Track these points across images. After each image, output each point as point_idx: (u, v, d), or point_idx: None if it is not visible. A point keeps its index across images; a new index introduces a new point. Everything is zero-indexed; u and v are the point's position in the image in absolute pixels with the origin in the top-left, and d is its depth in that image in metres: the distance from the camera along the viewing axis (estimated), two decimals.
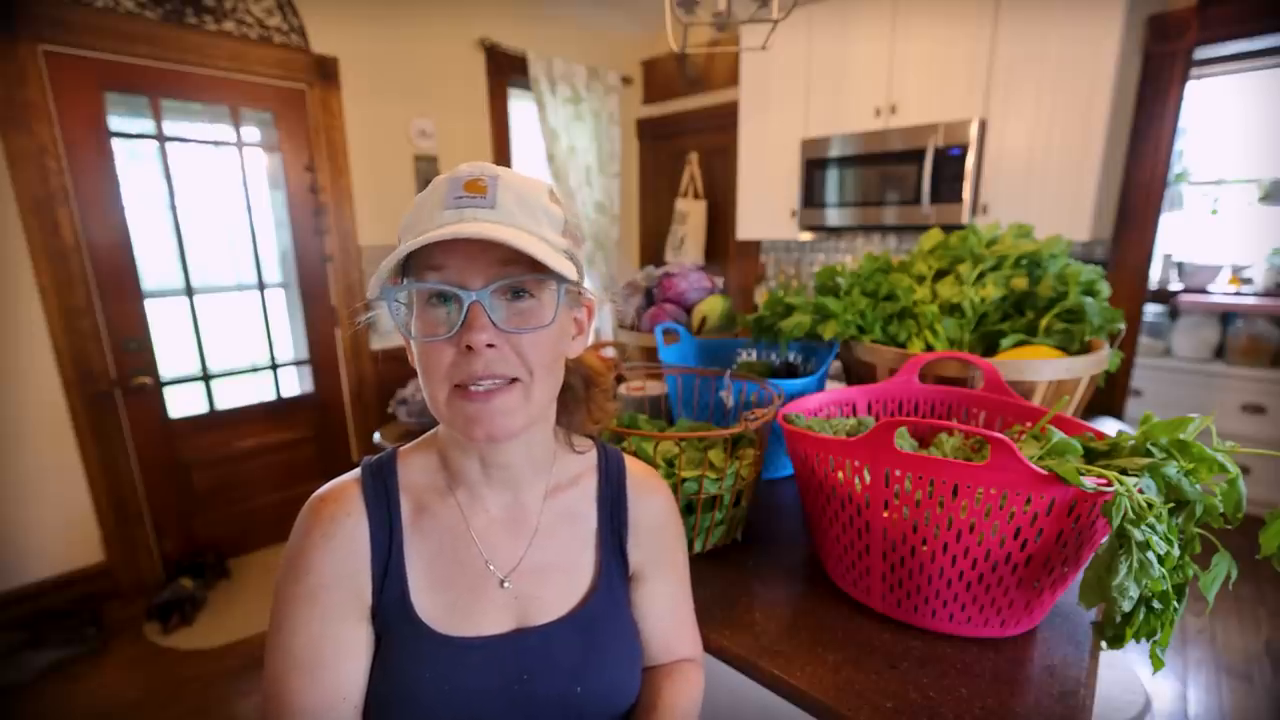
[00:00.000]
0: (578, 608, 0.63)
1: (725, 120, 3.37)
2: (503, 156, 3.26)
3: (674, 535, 0.72)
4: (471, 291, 0.51)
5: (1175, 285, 3.23)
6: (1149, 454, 0.66)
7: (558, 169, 3.36)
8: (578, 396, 0.68)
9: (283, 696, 0.54)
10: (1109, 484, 0.61)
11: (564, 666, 0.60)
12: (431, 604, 0.58)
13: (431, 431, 0.66)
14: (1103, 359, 1.02)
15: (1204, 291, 3.12)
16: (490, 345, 0.51)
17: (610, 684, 0.63)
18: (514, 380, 0.54)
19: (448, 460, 0.62)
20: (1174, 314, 3.08)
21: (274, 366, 2.67)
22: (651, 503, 0.70)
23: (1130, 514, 0.59)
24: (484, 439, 0.54)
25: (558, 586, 0.63)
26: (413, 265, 0.53)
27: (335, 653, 0.55)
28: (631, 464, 0.71)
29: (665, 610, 0.70)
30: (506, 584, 0.61)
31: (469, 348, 0.51)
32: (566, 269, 0.53)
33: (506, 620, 0.60)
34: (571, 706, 0.60)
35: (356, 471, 0.62)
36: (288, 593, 0.56)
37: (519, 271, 0.52)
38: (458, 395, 0.53)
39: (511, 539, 0.63)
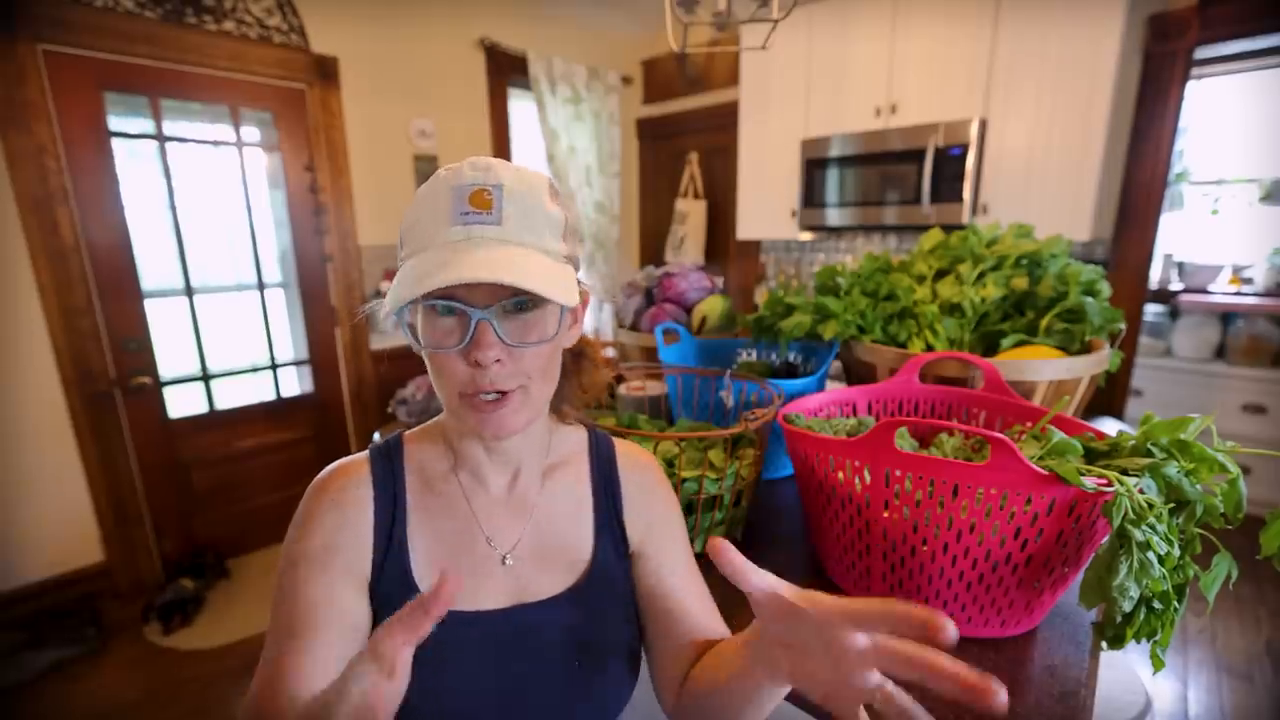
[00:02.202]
0: (576, 585, 0.65)
1: (725, 120, 3.37)
2: (502, 156, 3.24)
3: (669, 501, 0.72)
4: (478, 309, 0.52)
5: (1176, 285, 3.22)
6: (1149, 454, 0.66)
7: (558, 169, 3.36)
8: (567, 371, 0.69)
9: (275, 656, 0.53)
10: (1109, 484, 0.61)
11: (562, 642, 0.62)
12: (432, 580, 0.58)
13: (437, 418, 0.68)
14: (1103, 359, 1.01)
15: (1204, 291, 3.12)
16: (498, 361, 0.53)
17: (608, 661, 0.64)
18: (516, 389, 0.56)
19: (453, 444, 0.65)
20: (1174, 314, 3.08)
21: (274, 366, 2.67)
22: (642, 474, 0.71)
23: (1131, 514, 0.59)
24: (491, 438, 0.57)
25: (556, 564, 0.65)
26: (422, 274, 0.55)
27: (332, 616, 0.55)
28: (619, 443, 0.74)
29: (684, 579, 0.69)
30: (509, 560, 0.63)
31: (477, 363, 0.53)
32: (568, 289, 0.53)
33: (506, 597, 0.62)
34: (569, 683, 0.61)
35: (365, 452, 0.64)
36: (291, 554, 0.58)
37: (523, 291, 0.53)
38: (466, 403, 0.56)
39: (512, 518, 0.65)
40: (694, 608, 0.68)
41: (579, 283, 0.61)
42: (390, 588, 0.58)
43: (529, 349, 0.55)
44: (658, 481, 0.73)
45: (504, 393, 0.55)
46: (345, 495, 0.60)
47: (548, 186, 0.57)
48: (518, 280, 0.50)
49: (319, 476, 0.61)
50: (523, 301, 0.54)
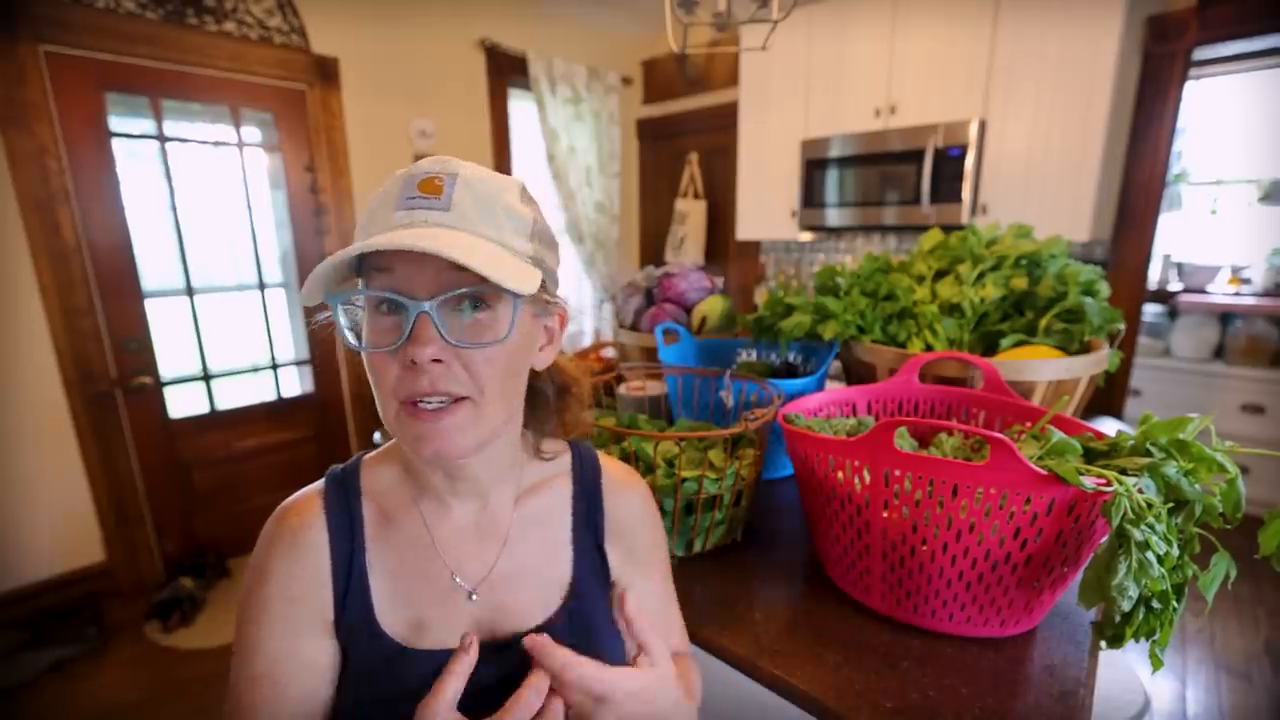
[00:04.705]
0: (553, 618, 0.60)
1: (725, 120, 3.38)
2: (503, 156, 3.26)
3: (653, 533, 0.70)
4: (420, 301, 0.47)
5: (1175, 285, 3.23)
6: (1148, 454, 0.66)
7: (558, 169, 3.36)
8: (548, 404, 0.65)
9: (243, 711, 0.53)
10: (1108, 484, 0.61)
11: None
12: (395, 618, 0.56)
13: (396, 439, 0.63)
14: (1102, 359, 1.02)
15: (1203, 291, 3.13)
16: (437, 360, 0.47)
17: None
18: (463, 398, 0.50)
19: (412, 469, 0.60)
20: (1173, 314, 3.08)
21: (274, 366, 2.67)
22: (628, 500, 0.67)
23: (1130, 514, 0.59)
24: (432, 457, 0.50)
25: (531, 595, 0.60)
26: (365, 266, 0.50)
27: (296, 667, 0.53)
28: (607, 462, 0.69)
29: (651, 609, 0.68)
30: (475, 597, 0.58)
31: (413, 362, 0.47)
32: (523, 279, 0.48)
33: (475, 633, 0.58)
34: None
35: (322, 481, 0.60)
36: (249, 606, 0.54)
37: (472, 280, 0.47)
38: (405, 412, 0.50)
39: (481, 548, 0.60)
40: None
41: (555, 297, 0.57)
42: (353, 626, 0.55)
43: (478, 351, 0.49)
44: (645, 510, 0.69)
45: (453, 402, 0.49)
46: (297, 539, 0.55)
47: (518, 189, 0.52)
48: (445, 250, 0.43)
49: (274, 515, 0.57)
50: (474, 298, 0.48)
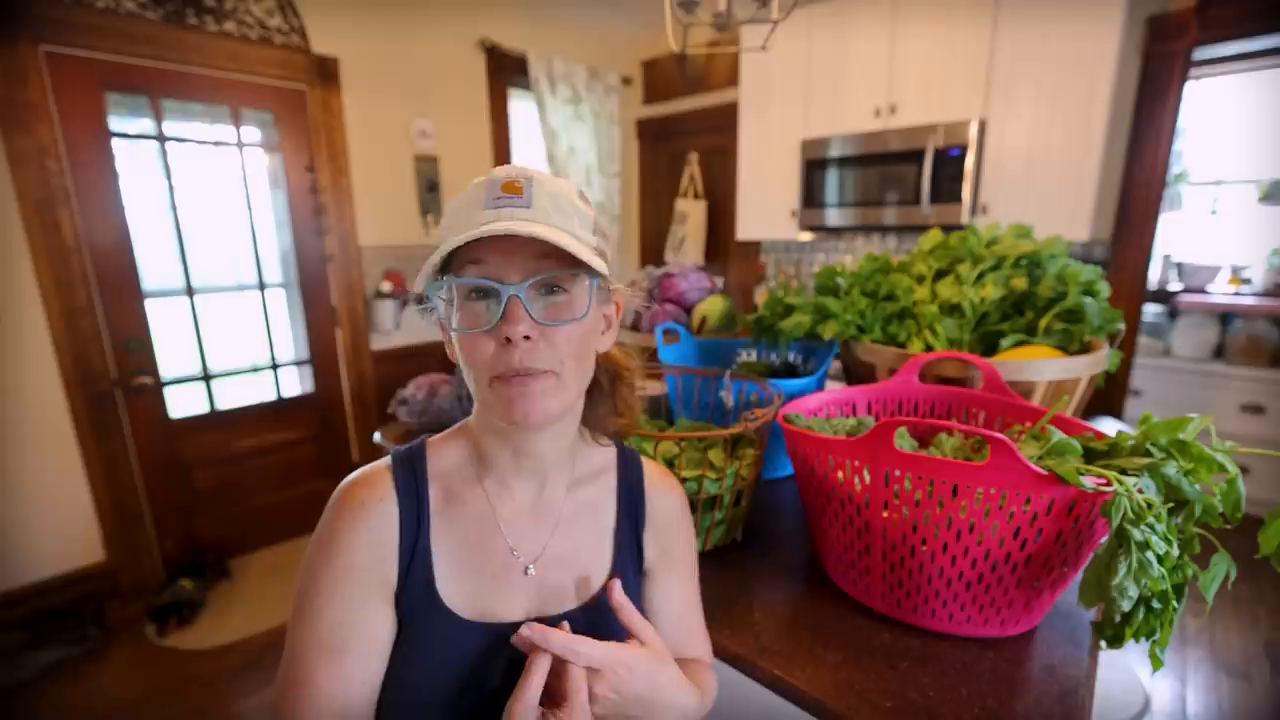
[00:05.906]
0: (593, 599, 0.65)
1: (725, 120, 3.38)
2: (503, 157, 3.26)
3: (686, 534, 0.74)
4: (510, 286, 0.54)
5: (1175, 285, 3.23)
6: (1148, 454, 0.66)
7: (558, 169, 3.36)
8: (603, 391, 0.70)
9: (303, 679, 0.54)
10: (1108, 484, 0.61)
11: None
12: (455, 590, 0.60)
13: (463, 421, 0.68)
14: (1102, 359, 1.02)
15: (1203, 291, 3.13)
16: (527, 337, 0.54)
17: None
18: (548, 371, 0.56)
19: (479, 448, 0.64)
20: (1173, 314, 3.08)
21: (274, 366, 2.67)
22: (666, 500, 0.72)
23: (1130, 514, 0.59)
24: (522, 420, 0.56)
25: (575, 577, 0.65)
26: (454, 262, 0.56)
27: (360, 636, 0.56)
28: (648, 463, 0.74)
29: (677, 609, 0.72)
30: (531, 570, 0.63)
31: (508, 339, 0.53)
32: (597, 264, 0.55)
33: (526, 608, 0.62)
34: None
35: (387, 459, 0.63)
36: (317, 573, 0.57)
37: (553, 266, 0.55)
38: (498, 382, 0.56)
39: (536, 528, 0.65)
40: (682, 638, 0.71)
41: (614, 286, 0.63)
42: (414, 598, 0.58)
43: (561, 328, 0.56)
44: (681, 511, 0.73)
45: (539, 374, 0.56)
46: (367, 510, 0.59)
47: (577, 191, 0.60)
48: (544, 235, 0.51)
49: (342, 487, 0.61)
50: (554, 284, 0.56)
